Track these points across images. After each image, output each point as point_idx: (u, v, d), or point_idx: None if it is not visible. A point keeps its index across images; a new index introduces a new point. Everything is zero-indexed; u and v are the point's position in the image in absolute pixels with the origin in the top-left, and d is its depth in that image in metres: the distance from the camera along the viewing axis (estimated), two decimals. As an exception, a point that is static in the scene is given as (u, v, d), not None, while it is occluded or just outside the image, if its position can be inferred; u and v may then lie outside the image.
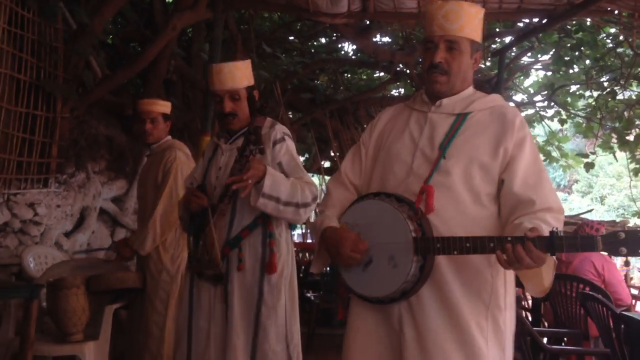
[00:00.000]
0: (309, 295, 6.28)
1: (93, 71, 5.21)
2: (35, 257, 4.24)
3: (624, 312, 3.24)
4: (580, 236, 1.57)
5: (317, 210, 2.10)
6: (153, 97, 3.66)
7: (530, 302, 6.23)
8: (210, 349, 2.57)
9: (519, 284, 1.84)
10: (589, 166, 8.75)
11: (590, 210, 12.32)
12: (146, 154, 3.79)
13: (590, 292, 3.66)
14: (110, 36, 5.85)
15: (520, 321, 3.54)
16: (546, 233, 1.59)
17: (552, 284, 1.70)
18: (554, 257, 1.65)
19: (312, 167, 9.95)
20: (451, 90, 1.92)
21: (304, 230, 10.75)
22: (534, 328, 3.75)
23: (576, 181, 23.76)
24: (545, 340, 3.94)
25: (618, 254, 1.55)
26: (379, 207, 1.83)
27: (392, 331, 1.83)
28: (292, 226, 2.80)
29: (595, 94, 8.79)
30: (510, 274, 1.84)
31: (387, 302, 1.81)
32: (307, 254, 8.32)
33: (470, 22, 1.86)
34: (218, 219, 2.58)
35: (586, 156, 8.98)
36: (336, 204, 2.01)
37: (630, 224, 9.75)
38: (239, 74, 2.67)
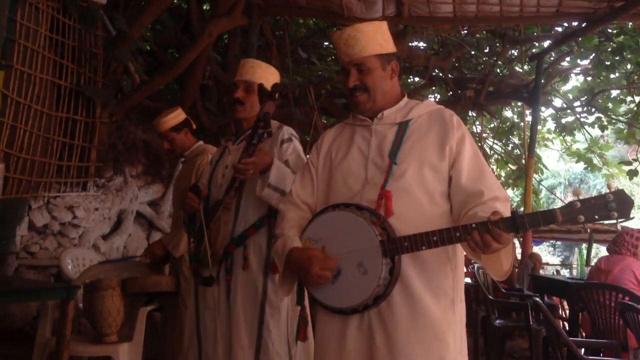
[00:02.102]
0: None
1: (131, 77, 5.32)
2: (73, 259, 4.33)
3: (665, 324, 3.14)
4: (541, 212, 1.62)
5: (275, 234, 2.07)
6: (162, 112, 3.70)
7: (567, 312, 6.10)
8: (219, 347, 2.57)
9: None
10: (632, 174, 8.49)
11: (632, 218, 11.97)
12: (181, 160, 3.86)
13: (630, 302, 3.56)
14: (148, 42, 5.95)
15: (556, 331, 3.47)
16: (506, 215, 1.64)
17: (512, 266, 1.76)
18: (513, 239, 1.72)
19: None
20: (375, 104, 2.00)
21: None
22: (571, 338, 3.66)
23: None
24: (582, 351, 3.85)
25: (577, 222, 1.59)
26: (340, 218, 1.84)
27: (363, 339, 1.84)
28: None
29: (637, 99, 8.57)
30: (462, 268, 1.92)
31: (361, 310, 1.80)
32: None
33: (371, 40, 1.96)
34: (223, 213, 2.57)
35: (629, 164, 8.73)
36: (294, 224, 2.02)
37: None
38: (260, 72, 2.73)
